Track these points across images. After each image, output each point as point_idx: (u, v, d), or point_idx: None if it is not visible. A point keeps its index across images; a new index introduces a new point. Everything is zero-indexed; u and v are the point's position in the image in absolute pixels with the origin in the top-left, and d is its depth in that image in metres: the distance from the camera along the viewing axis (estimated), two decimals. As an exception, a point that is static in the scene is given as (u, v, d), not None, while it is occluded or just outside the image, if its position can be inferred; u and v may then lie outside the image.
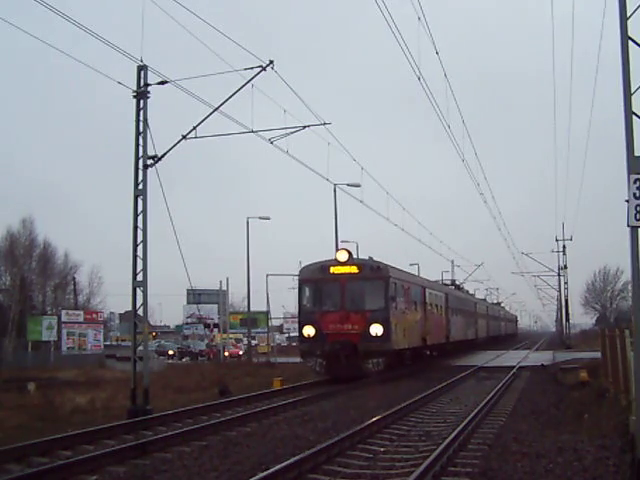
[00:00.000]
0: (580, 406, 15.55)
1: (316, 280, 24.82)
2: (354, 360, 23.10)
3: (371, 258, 25.69)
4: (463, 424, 12.54)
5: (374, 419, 13.48)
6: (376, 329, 23.35)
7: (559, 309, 78.40)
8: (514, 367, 28.31)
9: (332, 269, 24.51)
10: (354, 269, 24.41)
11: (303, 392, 20.73)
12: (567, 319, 59.68)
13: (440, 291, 36.14)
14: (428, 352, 33.03)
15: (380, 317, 23.66)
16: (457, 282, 52.41)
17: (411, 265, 46.23)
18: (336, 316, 23.77)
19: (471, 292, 63.25)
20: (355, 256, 26.59)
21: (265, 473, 8.79)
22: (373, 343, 23.18)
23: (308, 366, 24.86)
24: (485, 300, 70.20)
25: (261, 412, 15.90)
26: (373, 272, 24.38)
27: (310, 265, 25.46)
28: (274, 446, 11.48)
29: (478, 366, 29.91)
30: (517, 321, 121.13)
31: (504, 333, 78.21)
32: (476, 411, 14.57)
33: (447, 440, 10.81)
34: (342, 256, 24.71)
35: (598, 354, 23.30)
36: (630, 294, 12.05)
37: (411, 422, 14.34)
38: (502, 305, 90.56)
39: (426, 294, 30.92)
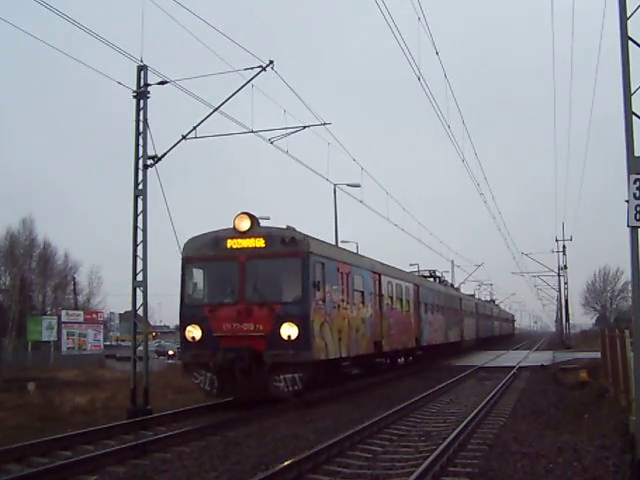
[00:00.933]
0: (580, 406, 15.55)
1: (205, 259, 17.66)
2: (257, 375, 16.32)
3: (291, 228, 17.85)
4: (463, 424, 12.55)
5: (374, 419, 13.48)
6: (289, 330, 16.35)
7: (559, 309, 78.49)
8: (514, 367, 28.36)
9: (229, 242, 17.30)
10: (260, 242, 17.11)
11: (303, 393, 20.63)
12: (567, 319, 59.84)
13: (407, 281, 28.06)
14: (388, 361, 26.06)
15: (295, 313, 16.55)
16: (438, 273, 42.09)
17: (411, 265, 46.02)
18: (232, 311, 16.78)
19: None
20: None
21: (265, 473, 8.79)
22: (285, 351, 16.29)
23: (195, 384, 17.37)
24: (474, 296, 63.49)
25: (261, 412, 15.89)
26: (286, 246, 16.92)
27: (198, 237, 17.93)
28: (274, 446, 11.47)
29: (478, 366, 29.98)
30: (514, 320, 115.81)
31: (498, 334, 71.14)
32: (476, 411, 14.57)
33: (447, 440, 10.81)
34: (243, 224, 17.21)
35: (598, 354, 23.33)
36: (630, 294, 12.03)
37: (411, 422, 14.35)
38: (497, 303, 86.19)
39: (382, 283, 23.27)
